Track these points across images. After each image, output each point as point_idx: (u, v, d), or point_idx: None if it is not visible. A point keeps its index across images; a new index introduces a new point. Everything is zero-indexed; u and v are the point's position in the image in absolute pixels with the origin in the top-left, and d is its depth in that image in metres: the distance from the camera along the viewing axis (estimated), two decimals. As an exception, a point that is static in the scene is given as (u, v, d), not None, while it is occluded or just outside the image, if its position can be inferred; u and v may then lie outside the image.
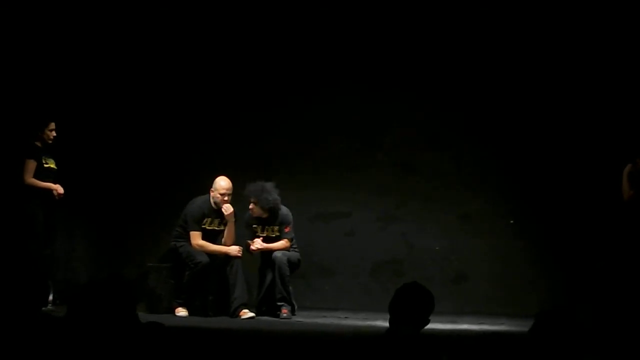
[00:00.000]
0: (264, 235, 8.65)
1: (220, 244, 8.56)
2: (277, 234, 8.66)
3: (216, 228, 8.61)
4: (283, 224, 8.64)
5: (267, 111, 9.99)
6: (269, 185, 8.58)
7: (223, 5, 9.82)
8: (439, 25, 9.79)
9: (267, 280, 8.57)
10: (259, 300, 8.64)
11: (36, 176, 8.28)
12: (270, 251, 8.56)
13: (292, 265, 8.61)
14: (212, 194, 8.56)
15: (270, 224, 8.66)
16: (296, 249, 8.75)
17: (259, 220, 8.66)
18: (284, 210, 8.68)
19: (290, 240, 8.68)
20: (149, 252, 9.22)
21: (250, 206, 8.57)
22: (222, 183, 8.54)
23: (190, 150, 9.95)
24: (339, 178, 9.97)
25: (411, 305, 4.04)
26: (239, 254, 8.49)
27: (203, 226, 8.55)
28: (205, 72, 10.00)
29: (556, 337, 3.49)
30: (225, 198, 8.49)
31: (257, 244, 8.59)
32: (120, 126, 9.83)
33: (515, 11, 9.59)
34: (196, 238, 8.50)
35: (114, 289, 3.88)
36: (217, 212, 8.56)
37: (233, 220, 8.52)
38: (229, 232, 8.55)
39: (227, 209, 8.46)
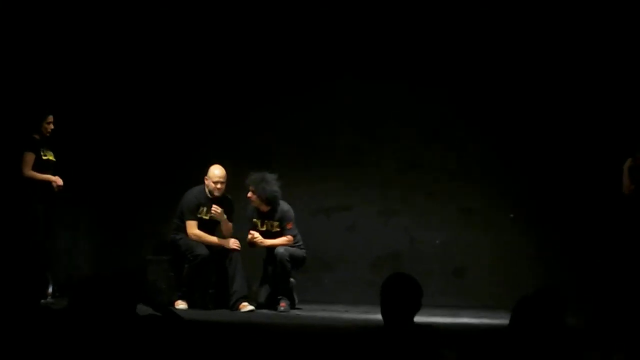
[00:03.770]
0: (264, 229, 8.61)
1: (216, 235, 8.54)
2: (278, 229, 8.61)
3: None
4: (284, 220, 8.59)
5: (268, 107, 10.00)
6: (270, 176, 8.53)
7: (222, 2, 9.81)
8: (442, 21, 9.80)
9: (269, 275, 8.57)
10: (266, 295, 8.60)
11: (35, 168, 8.29)
12: (274, 246, 8.54)
13: (297, 261, 8.56)
14: (206, 182, 8.55)
15: (270, 218, 8.61)
16: (301, 246, 8.68)
17: (259, 214, 8.63)
18: (285, 206, 8.63)
19: (294, 236, 8.64)
20: (150, 247, 9.20)
21: (249, 194, 8.51)
22: (216, 171, 8.51)
23: (192, 145, 9.94)
24: (340, 172, 9.98)
25: (399, 295, 4.01)
26: (237, 247, 8.48)
27: (199, 215, 8.53)
28: (206, 68, 10.01)
29: (538, 320, 3.42)
30: (219, 186, 8.46)
31: (255, 234, 8.53)
32: (120, 120, 9.85)
33: (517, 8, 9.60)
34: (192, 227, 8.47)
35: (118, 283, 3.88)
36: (213, 201, 8.53)
37: (224, 218, 8.50)
38: (225, 224, 8.55)
39: (216, 209, 8.44)
